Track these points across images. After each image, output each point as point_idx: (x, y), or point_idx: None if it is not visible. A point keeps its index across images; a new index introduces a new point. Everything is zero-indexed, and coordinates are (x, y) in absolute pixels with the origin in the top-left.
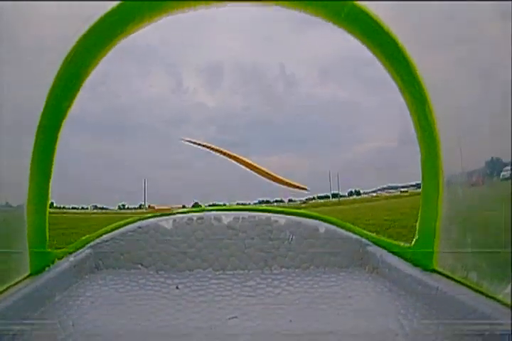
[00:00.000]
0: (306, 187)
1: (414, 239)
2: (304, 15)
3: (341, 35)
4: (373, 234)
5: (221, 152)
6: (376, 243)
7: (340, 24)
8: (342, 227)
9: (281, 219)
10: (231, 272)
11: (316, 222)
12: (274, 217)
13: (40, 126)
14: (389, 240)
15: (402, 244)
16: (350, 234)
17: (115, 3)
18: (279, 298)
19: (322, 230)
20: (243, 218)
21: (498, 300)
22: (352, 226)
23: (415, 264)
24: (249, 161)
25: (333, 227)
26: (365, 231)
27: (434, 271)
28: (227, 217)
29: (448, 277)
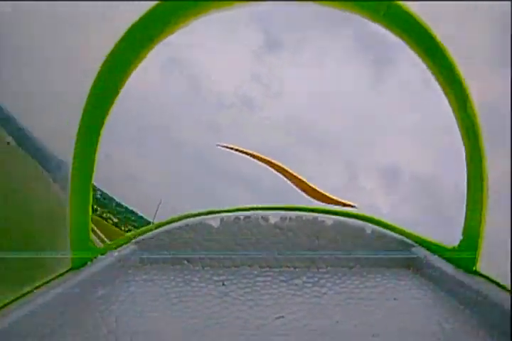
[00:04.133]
0: (355, 204)
1: (459, 240)
2: None
3: None
4: (419, 235)
5: (260, 158)
6: (421, 244)
7: (378, 21)
8: (388, 228)
9: (328, 219)
10: (277, 270)
11: (363, 222)
12: (321, 217)
13: (81, 127)
14: (434, 241)
15: (446, 245)
16: (396, 235)
17: (152, 4)
18: (325, 298)
19: (369, 231)
20: (290, 218)
21: None
22: (398, 227)
23: (458, 266)
24: (292, 172)
25: (379, 228)
26: (410, 232)
27: (476, 273)
28: (274, 217)
29: (491, 280)
